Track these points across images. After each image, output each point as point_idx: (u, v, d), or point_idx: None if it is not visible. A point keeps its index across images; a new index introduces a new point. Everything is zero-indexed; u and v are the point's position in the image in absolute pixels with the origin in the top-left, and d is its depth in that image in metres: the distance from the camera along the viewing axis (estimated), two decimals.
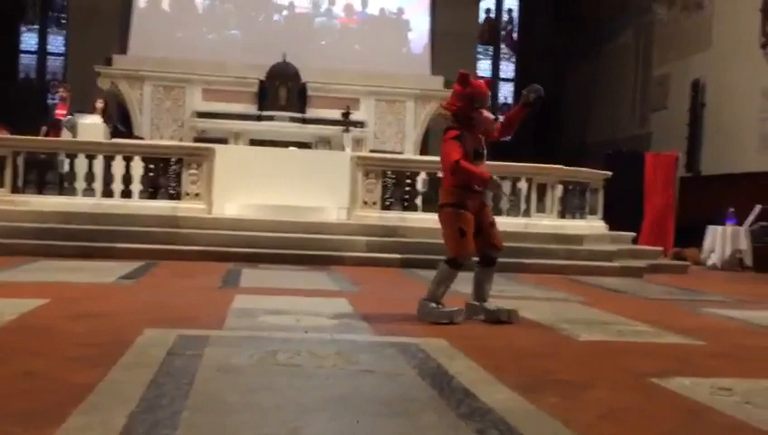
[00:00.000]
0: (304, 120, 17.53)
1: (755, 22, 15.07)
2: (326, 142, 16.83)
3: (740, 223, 13.68)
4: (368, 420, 2.91)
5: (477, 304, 5.53)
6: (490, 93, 5.57)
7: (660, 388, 3.61)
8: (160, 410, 2.81)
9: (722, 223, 13.79)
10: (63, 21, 23.55)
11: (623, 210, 13.49)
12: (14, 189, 10.54)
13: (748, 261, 13.37)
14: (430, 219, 10.91)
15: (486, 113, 5.41)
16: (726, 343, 5.15)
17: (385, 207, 11.08)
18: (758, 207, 13.68)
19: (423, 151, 18.18)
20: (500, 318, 5.39)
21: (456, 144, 5.28)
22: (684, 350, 4.75)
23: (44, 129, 13.53)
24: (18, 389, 3.14)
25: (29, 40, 24.43)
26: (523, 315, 5.95)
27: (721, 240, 13.67)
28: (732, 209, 13.81)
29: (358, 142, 17.01)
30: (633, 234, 13.21)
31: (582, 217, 12.04)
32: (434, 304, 5.34)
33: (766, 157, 14.86)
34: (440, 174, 5.78)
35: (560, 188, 11.68)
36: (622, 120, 20.90)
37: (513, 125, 5.60)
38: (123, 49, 18.96)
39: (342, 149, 15.35)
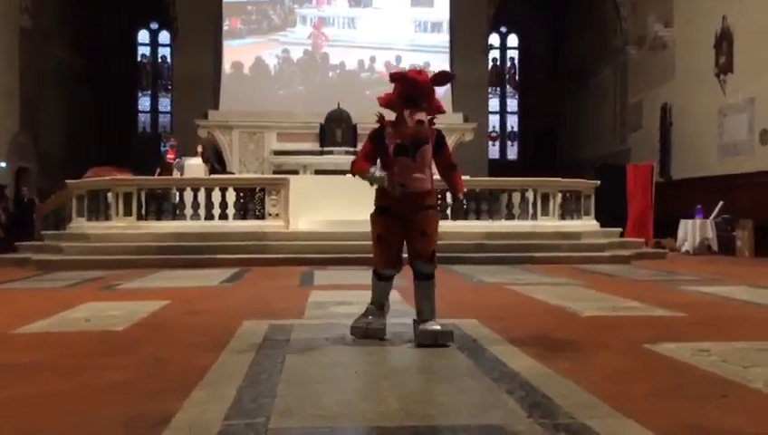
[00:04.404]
0: (356, 153, 17.60)
1: (710, 55, 14.75)
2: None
3: (706, 216, 13.39)
4: (421, 386, 2.90)
5: (416, 322, 3.81)
6: (422, 85, 3.87)
7: (652, 352, 3.53)
8: (261, 383, 2.84)
9: (692, 217, 13.51)
10: (169, 87, 24.07)
11: (611, 211, 13.24)
12: (139, 217, 10.68)
13: (714, 247, 13.11)
14: (458, 225, 10.90)
15: (414, 115, 3.68)
16: (702, 313, 5.00)
17: None
18: (720, 203, 13.44)
19: None
20: (422, 342, 3.63)
21: (367, 141, 3.89)
22: (668, 320, 4.63)
23: (158, 170, 13.72)
24: (151, 371, 3.19)
25: (144, 102, 25.02)
26: (536, 297, 5.81)
27: (692, 231, 13.42)
28: (699, 206, 13.54)
29: None
30: (620, 229, 12.94)
31: (579, 217, 11.85)
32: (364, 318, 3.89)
33: (724, 163, 14.51)
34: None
35: (559, 196, 11.55)
36: (606, 139, 20.58)
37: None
38: (216, 105, 19.27)
39: None
